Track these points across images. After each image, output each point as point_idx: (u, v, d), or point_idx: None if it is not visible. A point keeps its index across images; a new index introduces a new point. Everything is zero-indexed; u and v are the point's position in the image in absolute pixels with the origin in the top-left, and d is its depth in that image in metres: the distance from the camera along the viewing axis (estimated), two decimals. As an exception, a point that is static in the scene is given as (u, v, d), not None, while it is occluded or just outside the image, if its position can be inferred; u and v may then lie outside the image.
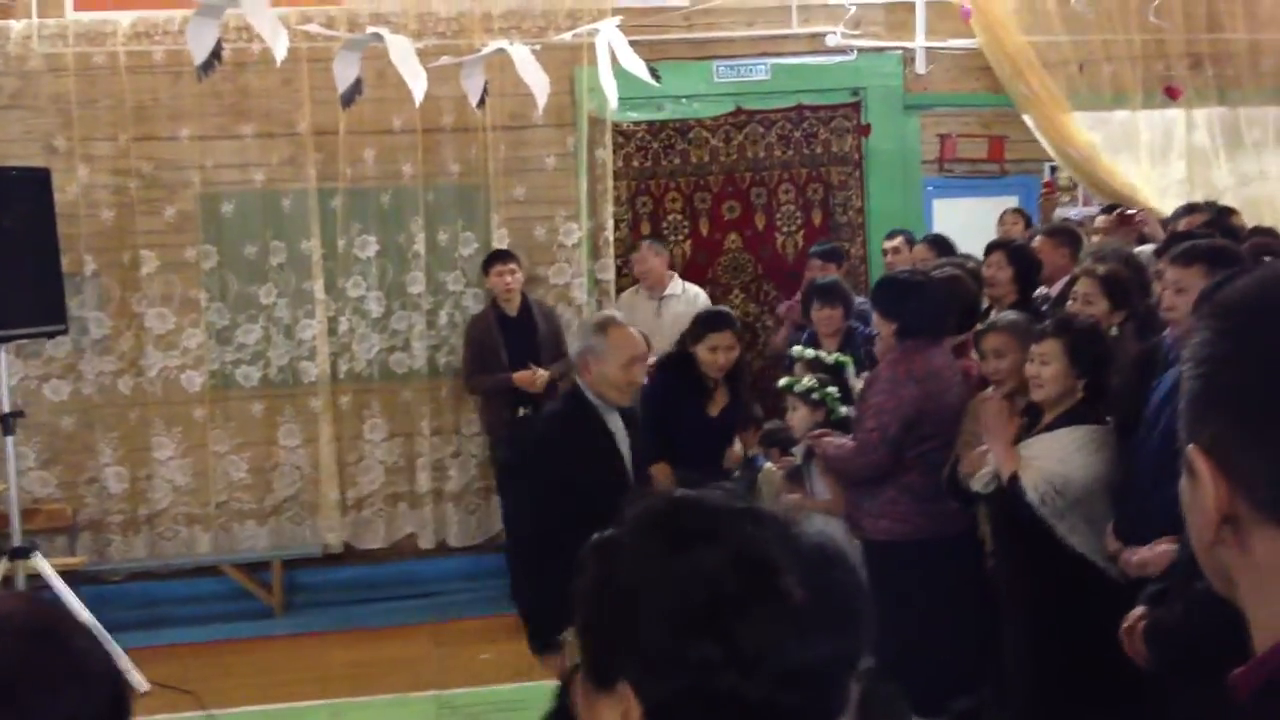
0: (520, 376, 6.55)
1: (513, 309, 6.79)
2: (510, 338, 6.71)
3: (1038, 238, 6.08)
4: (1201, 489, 1.02)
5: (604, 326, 4.05)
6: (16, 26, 6.87)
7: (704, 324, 5.34)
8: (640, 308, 6.94)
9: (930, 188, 7.98)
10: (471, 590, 6.99)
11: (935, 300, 4.59)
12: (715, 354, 5.21)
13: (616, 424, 4.00)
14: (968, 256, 6.06)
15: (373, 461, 7.21)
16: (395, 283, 7.18)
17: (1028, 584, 4.01)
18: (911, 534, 4.50)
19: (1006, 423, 4.02)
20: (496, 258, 6.83)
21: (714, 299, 7.16)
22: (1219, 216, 6.06)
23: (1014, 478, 3.88)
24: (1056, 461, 3.87)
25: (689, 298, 7.04)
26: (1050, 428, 3.95)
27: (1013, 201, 7.87)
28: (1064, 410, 3.95)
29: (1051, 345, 3.94)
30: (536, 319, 6.81)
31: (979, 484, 4.07)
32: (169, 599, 7.02)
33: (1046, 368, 3.93)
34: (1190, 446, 1.03)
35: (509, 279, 6.74)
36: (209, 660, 6.18)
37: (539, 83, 5.93)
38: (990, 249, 5.67)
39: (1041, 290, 5.68)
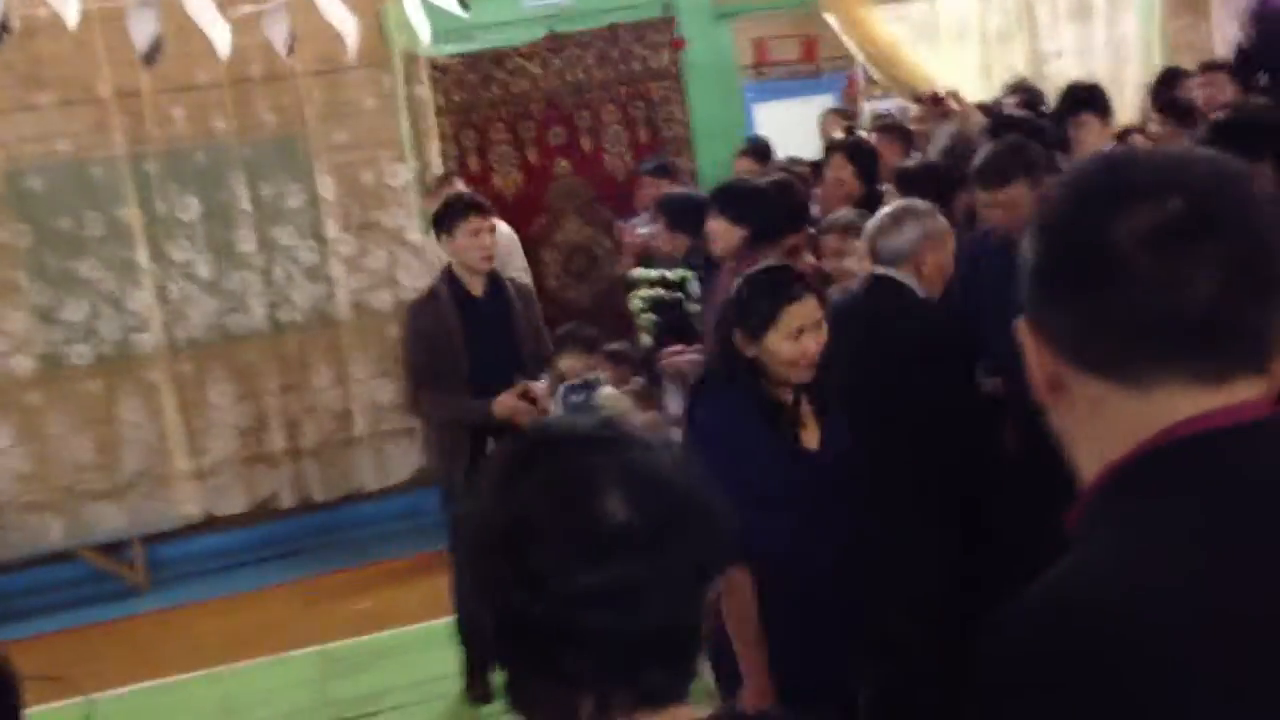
0: (506, 404, 4.54)
1: (479, 288, 4.76)
2: (476, 331, 4.69)
3: (873, 136, 6.26)
4: (1029, 357, 1.14)
5: None
6: None
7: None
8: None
9: (749, 94, 8.09)
10: (340, 544, 6.96)
11: (775, 204, 4.68)
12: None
13: None
14: (795, 160, 6.19)
15: (223, 427, 7.08)
16: (223, 242, 7.00)
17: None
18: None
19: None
20: (466, 209, 4.72)
21: (549, 225, 7.18)
22: (1032, 97, 6.40)
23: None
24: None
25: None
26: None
27: (830, 101, 8.04)
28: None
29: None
30: (512, 302, 4.85)
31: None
32: (25, 590, 6.81)
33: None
34: (1017, 321, 1.15)
35: (485, 240, 4.72)
36: (77, 646, 6.04)
37: (346, 23, 5.81)
38: (829, 150, 5.81)
39: (886, 186, 5.84)
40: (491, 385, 4.57)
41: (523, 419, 4.42)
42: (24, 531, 6.89)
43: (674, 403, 5.07)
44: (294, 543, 7.06)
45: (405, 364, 4.98)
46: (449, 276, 4.76)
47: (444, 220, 4.74)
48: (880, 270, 3.82)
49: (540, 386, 4.69)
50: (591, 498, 1.16)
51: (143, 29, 5.55)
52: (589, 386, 5.02)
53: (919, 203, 3.97)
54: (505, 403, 4.54)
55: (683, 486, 1.21)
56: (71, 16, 5.13)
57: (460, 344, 4.64)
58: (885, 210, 3.97)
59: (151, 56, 5.66)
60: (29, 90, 6.76)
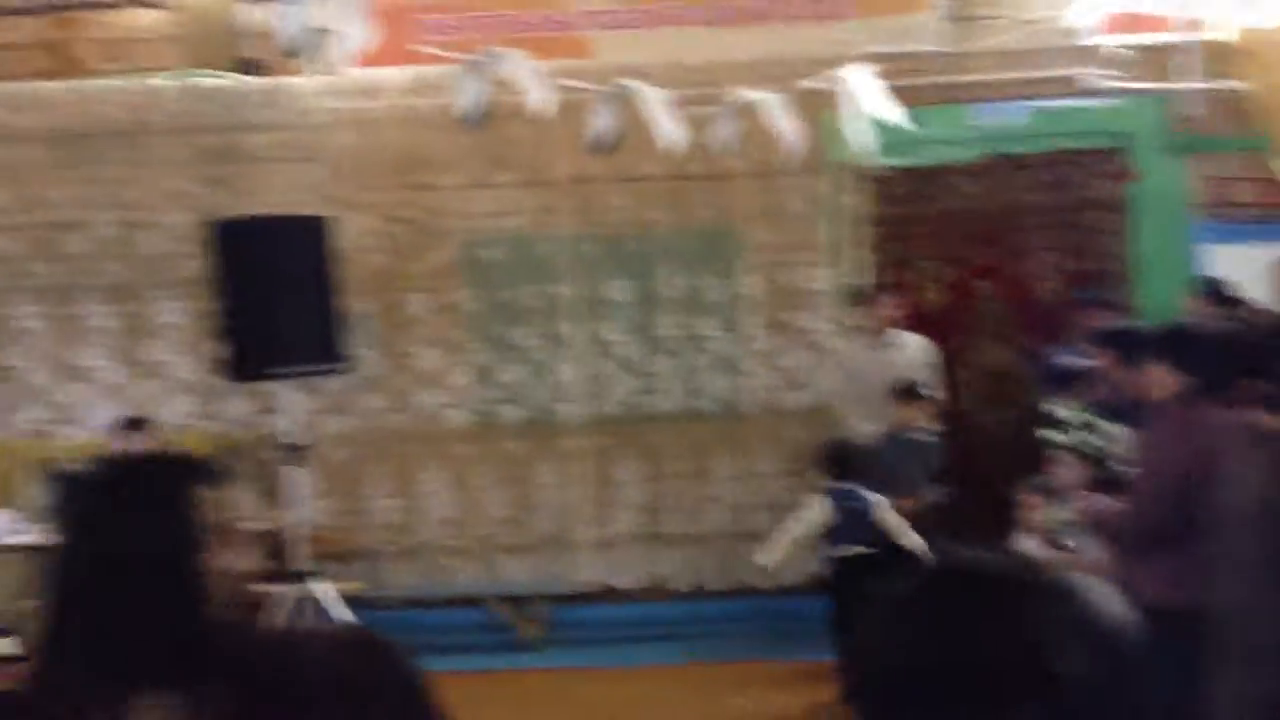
0: None
1: None
2: None
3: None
4: None
5: None
6: (298, 83, 7.38)
7: None
8: (859, 355, 6.86)
9: (1202, 233, 7.61)
10: (728, 635, 7.02)
11: (1225, 354, 4.36)
12: None
13: None
14: (1248, 305, 5.76)
15: (627, 503, 7.36)
16: (648, 327, 7.33)
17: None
18: (1191, 601, 4.27)
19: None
20: None
21: (967, 346, 7.04)
22: None
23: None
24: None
25: (906, 345, 6.88)
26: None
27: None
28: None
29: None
30: None
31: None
32: (431, 627, 7.29)
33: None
34: None
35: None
36: (468, 689, 6.31)
37: (790, 130, 5.99)
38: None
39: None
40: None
41: None
42: (442, 572, 7.42)
43: (1089, 548, 4.79)
44: (684, 626, 7.17)
45: None
46: None
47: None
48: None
49: None
50: (1050, 649, 1.10)
51: (601, 123, 5.98)
52: (854, 496, 4.89)
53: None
54: None
55: (1126, 638, 1.16)
56: (541, 107, 5.60)
57: None
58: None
59: (603, 148, 6.07)
60: (492, 170, 7.39)
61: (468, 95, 5.63)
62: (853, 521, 5.76)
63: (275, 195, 7.24)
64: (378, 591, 7.31)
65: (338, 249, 6.63)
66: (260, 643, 1.47)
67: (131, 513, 1.44)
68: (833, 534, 5.85)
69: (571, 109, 6.98)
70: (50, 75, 7.40)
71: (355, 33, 5.50)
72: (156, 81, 7.33)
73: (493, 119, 6.84)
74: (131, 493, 1.49)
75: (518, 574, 7.44)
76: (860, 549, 5.72)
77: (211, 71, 7.39)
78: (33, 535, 6.67)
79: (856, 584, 5.64)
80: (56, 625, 1.44)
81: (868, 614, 1.23)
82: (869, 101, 5.94)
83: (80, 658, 1.40)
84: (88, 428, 7.47)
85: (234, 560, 1.47)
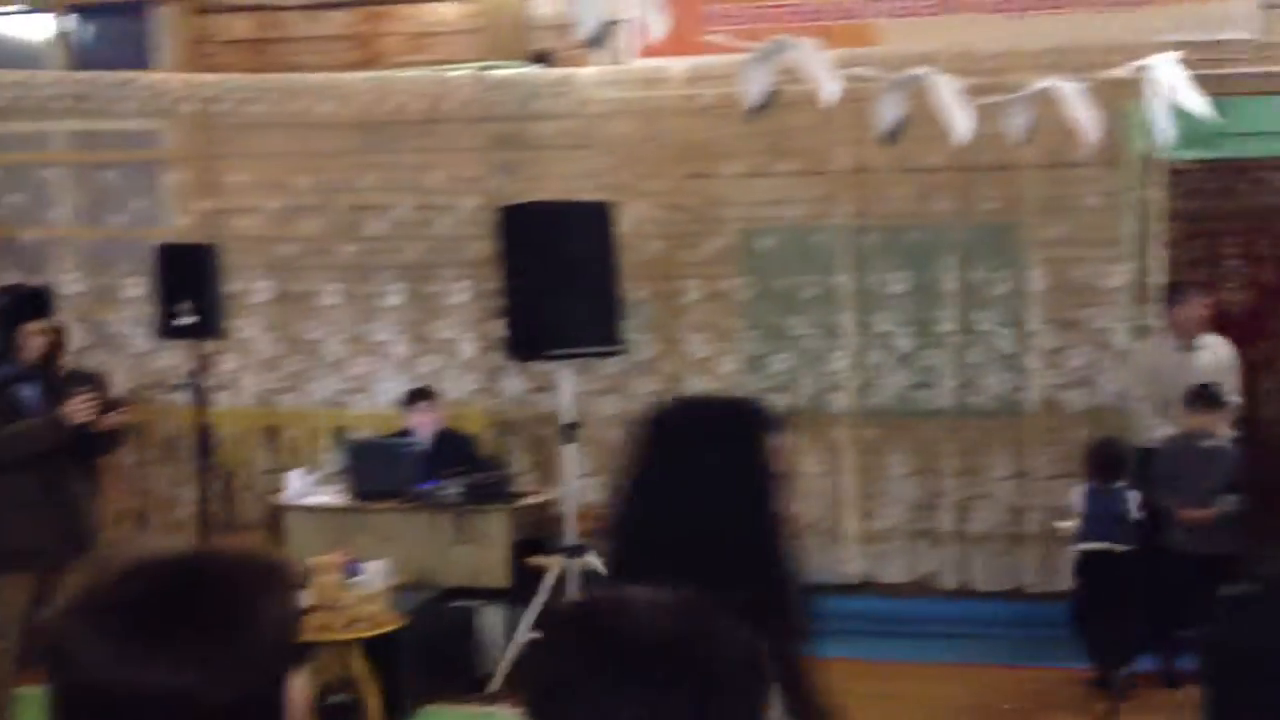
0: None
1: None
2: None
3: None
4: None
5: None
6: (584, 74, 7.56)
7: None
8: (1162, 355, 6.55)
9: None
10: (995, 638, 6.85)
11: None
12: None
13: None
14: None
15: (895, 497, 7.28)
16: (925, 320, 7.22)
17: None
18: None
19: None
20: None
21: (1274, 351, 6.66)
22: None
23: None
24: None
25: (1212, 348, 6.53)
26: None
27: None
28: None
29: None
30: None
31: None
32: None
33: None
34: None
35: None
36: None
37: (1089, 120, 5.76)
38: None
39: None
40: None
41: None
42: (702, 556, 7.51)
43: None
44: (949, 625, 7.05)
45: None
46: None
47: None
48: None
49: None
50: None
51: (889, 110, 5.88)
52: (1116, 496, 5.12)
53: None
54: None
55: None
56: (830, 96, 5.55)
57: None
58: None
59: (892, 138, 5.98)
60: (771, 159, 7.40)
61: (755, 84, 5.63)
62: (1109, 520, 5.69)
63: (559, 182, 7.46)
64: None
65: (617, 235, 6.79)
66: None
67: (709, 448, 1.47)
68: (1086, 530, 5.83)
69: (853, 97, 6.92)
70: (357, 66, 7.82)
71: (646, 24, 5.59)
72: (452, 72, 7.65)
73: (775, 108, 6.86)
74: (710, 430, 1.53)
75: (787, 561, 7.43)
76: (1110, 545, 5.67)
77: (505, 63, 7.65)
78: (326, 497, 7.10)
79: (1103, 581, 5.64)
80: (626, 553, 1.49)
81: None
82: (1174, 92, 5.65)
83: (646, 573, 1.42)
84: (377, 398, 7.89)
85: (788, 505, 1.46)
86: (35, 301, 5.51)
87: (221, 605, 1.27)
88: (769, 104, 5.75)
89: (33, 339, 5.35)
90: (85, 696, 1.23)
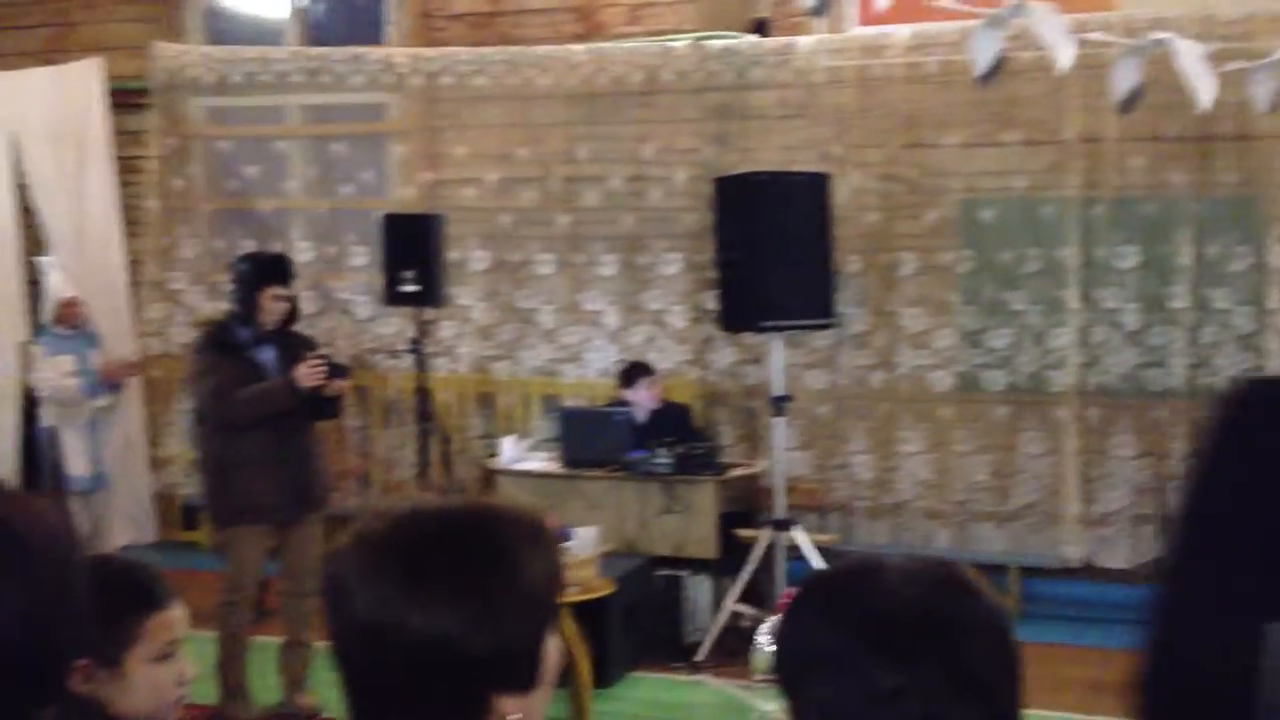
0: None
1: None
2: None
3: None
4: None
5: None
6: (804, 42, 7.47)
7: None
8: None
9: None
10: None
11: None
12: None
13: None
14: None
15: (1119, 480, 7.01)
16: (1155, 296, 6.91)
17: None
18: None
19: None
20: None
21: None
22: None
23: None
24: None
25: None
26: None
27: None
28: None
29: None
30: None
31: None
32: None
33: None
34: None
35: None
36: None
37: (1347, 86, 5.39)
38: None
39: None
40: None
41: None
42: (914, 533, 7.41)
43: None
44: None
45: None
46: None
47: None
48: None
49: None
50: None
51: (1126, 77, 5.62)
52: None
53: None
54: None
55: None
56: (1065, 62, 5.33)
57: None
58: None
59: (1129, 105, 5.71)
60: (996, 128, 7.17)
61: (985, 51, 5.45)
62: None
63: (774, 153, 7.40)
64: (850, 546, 7.38)
65: (833, 206, 6.71)
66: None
67: None
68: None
69: (1086, 64, 6.65)
70: (577, 39, 7.90)
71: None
72: (671, 43, 7.65)
73: (1004, 75, 6.64)
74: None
75: (994, 543, 7.28)
76: None
77: (723, 33, 7.62)
78: (537, 463, 7.25)
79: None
80: (1191, 549, 1.45)
81: None
82: None
83: (1211, 585, 1.39)
84: (588, 368, 8.00)
85: None
86: (275, 267, 5.76)
87: (488, 556, 1.29)
88: (998, 71, 5.56)
89: (273, 304, 5.60)
90: (357, 635, 1.28)
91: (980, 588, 1.34)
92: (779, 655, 1.36)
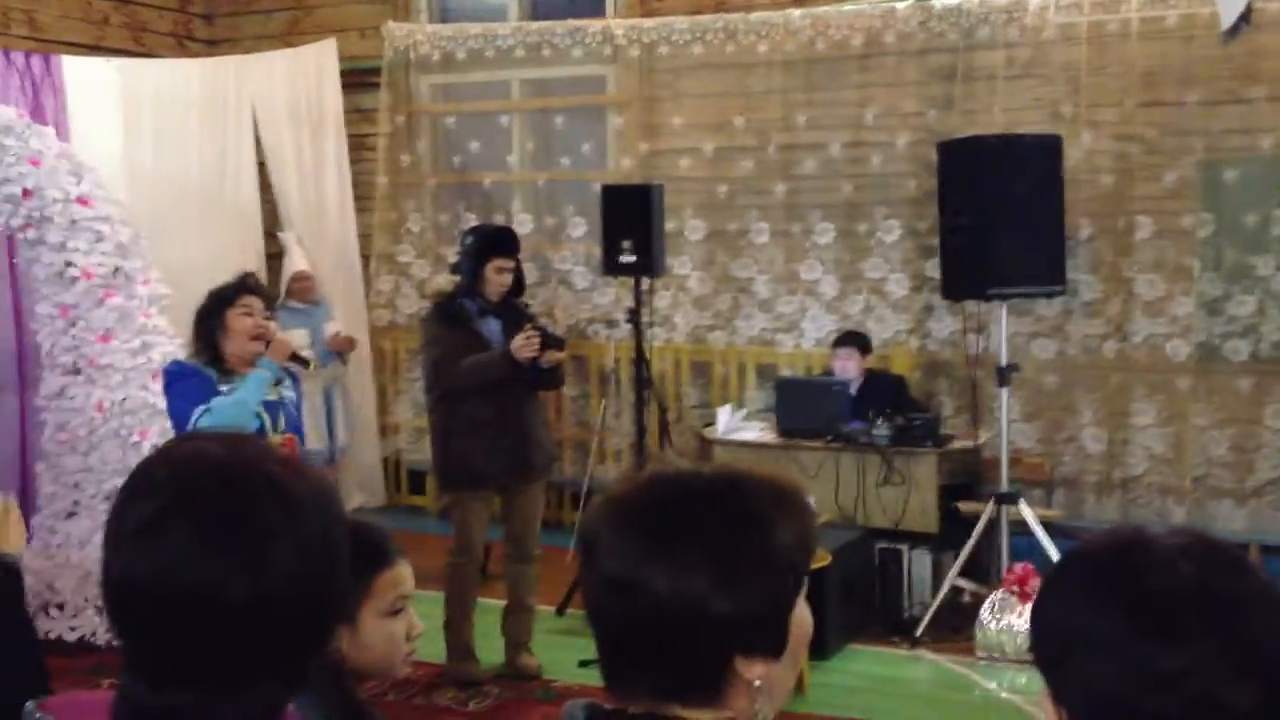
0: None
1: None
2: None
3: None
4: None
5: None
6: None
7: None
8: None
9: None
10: None
11: None
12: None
13: None
14: None
15: (1374, 455, 6.58)
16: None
17: None
18: None
19: None
20: None
21: None
22: None
23: None
24: None
25: None
26: None
27: None
28: None
29: None
30: None
31: None
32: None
33: None
34: None
35: None
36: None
37: None
38: None
39: None
40: None
41: None
42: (1147, 510, 7.10)
43: None
44: None
45: None
46: None
47: None
48: None
49: None
50: None
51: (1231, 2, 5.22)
52: None
53: None
54: None
55: None
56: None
57: None
58: None
59: (1234, 33, 5.31)
60: (1241, 84, 6.77)
61: (1232, 4, 5.16)
62: None
63: (1001, 114, 7.16)
64: (1077, 522, 7.13)
65: (1064, 169, 6.45)
66: None
67: None
68: None
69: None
70: (796, 3, 7.78)
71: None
72: (891, 4, 7.48)
73: (1252, 29, 6.27)
74: None
75: (1233, 521, 6.91)
76: None
77: (949, -9, 7.40)
78: (754, 433, 7.23)
79: None
80: None
81: None
82: None
83: None
84: (804, 338, 7.93)
85: None
86: (500, 240, 5.88)
87: (737, 520, 1.29)
88: (1245, 23, 5.26)
89: (497, 276, 5.73)
90: (607, 592, 1.29)
91: (1250, 561, 1.27)
92: (1037, 634, 1.31)
